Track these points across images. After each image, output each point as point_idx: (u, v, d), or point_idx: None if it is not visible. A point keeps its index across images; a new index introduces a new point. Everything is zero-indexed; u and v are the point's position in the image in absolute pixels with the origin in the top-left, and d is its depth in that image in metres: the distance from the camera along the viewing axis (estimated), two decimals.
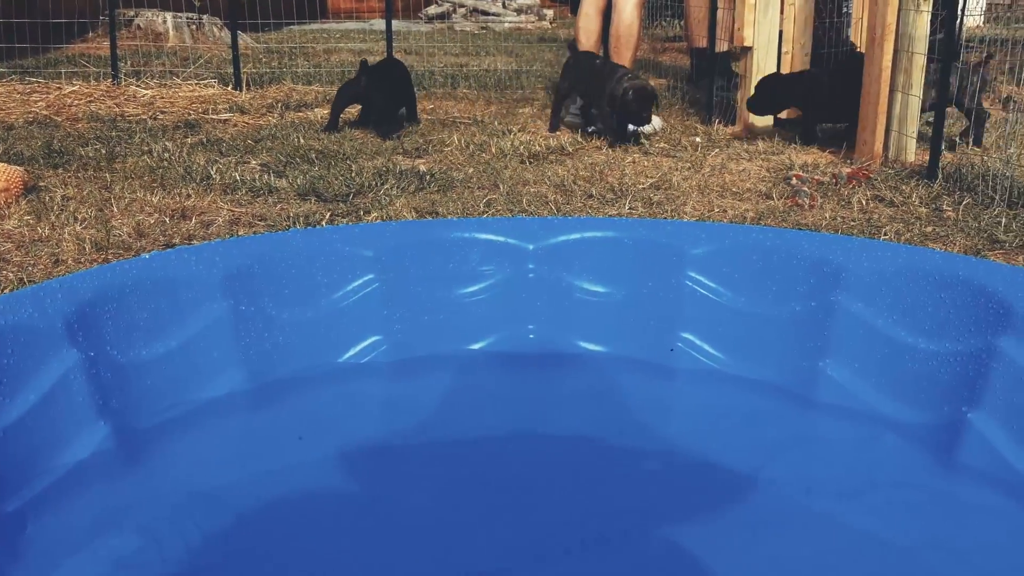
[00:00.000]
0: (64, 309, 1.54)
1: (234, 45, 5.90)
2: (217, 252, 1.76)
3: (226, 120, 5.01)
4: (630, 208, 3.36)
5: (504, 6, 12.42)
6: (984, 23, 9.84)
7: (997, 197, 3.26)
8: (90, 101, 5.41)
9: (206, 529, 1.41)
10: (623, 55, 4.81)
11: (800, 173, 3.78)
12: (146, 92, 5.58)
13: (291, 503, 1.48)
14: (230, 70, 6.06)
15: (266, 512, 1.45)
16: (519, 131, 4.84)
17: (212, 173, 3.68)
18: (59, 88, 5.68)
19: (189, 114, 5.12)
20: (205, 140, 4.45)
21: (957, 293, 1.62)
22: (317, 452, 1.61)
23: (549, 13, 12.93)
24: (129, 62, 6.63)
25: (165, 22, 8.24)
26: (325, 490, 1.51)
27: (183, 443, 1.61)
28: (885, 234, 2.95)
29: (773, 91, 4.37)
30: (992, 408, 1.54)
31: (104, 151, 4.29)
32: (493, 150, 4.26)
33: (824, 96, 4.31)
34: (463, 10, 12.21)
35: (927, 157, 3.69)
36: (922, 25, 3.73)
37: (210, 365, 1.74)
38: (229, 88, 5.80)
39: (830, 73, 4.47)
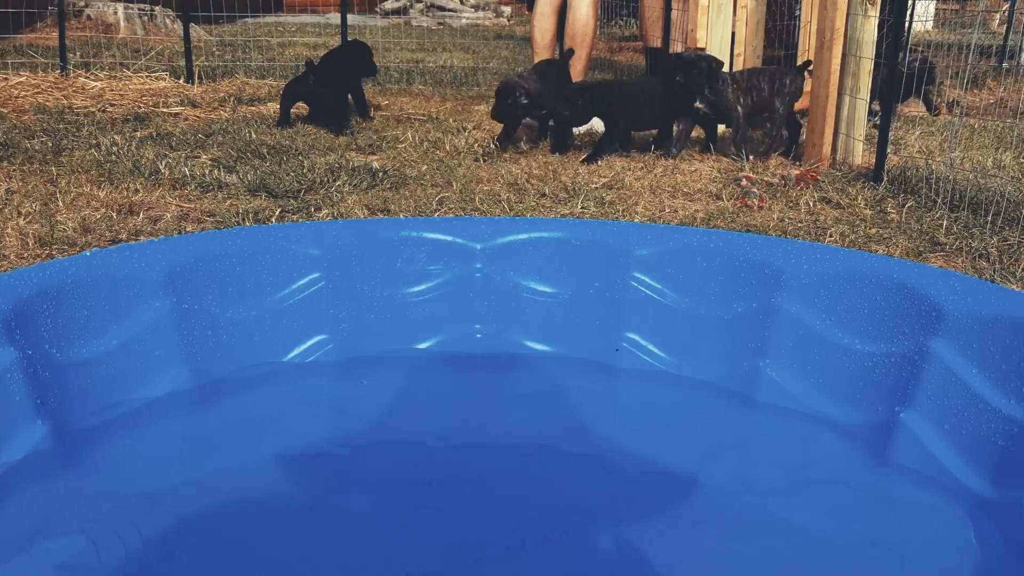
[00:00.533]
0: (1, 307, 1.51)
1: (186, 37, 5.82)
2: (160, 249, 1.74)
3: (177, 114, 4.94)
4: (582, 207, 3.38)
5: (462, 2, 12.39)
6: (933, 28, 10.03)
7: (939, 200, 3.33)
8: (37, 92, 5.31)
9: (146, 532, 1.40)
10: (578, 55, 4.84)
11: (750, 175, 3.84)
12: (95, 84, 5.49)
13: (233, 505, 1.47)
14: (182, 63, 5.98)
15: (208, 514, 1.45)
16: (474, 128, 4.85)
17: (161, 168, 3.63)
18: (5, 79, 5.56)
19: (139, 107, 5.05)
20: (155, 134, 4.39)
21: (892, 296, 1.66)
22: (260, 453, 1.60)
23: (507, 10, 12.93)
24: (78, 53, 6.51)
25: (116, 13, 8.10)
26: (267, 491, 1.51)
27: (123, 444, 1.60)
28: (831, 236, 3.00)
29: (584, 99, 4.18)
30: (923, 408, 1.58)
31: (51, 144, 4.21)
32: (447, 147, 4.26)
33: (630, 106, 4.23)
34: (420, 5, 12.16)
35: (874, 159, 3.76)
36: (870, 30, 3.79)
37: (152, 364, 1.72)
38: (181, 81, 5.73)
39: (637, 84, 4.44)
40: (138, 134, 4.38)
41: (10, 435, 1.50)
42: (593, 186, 3.70)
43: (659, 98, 4.22)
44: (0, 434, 1.49)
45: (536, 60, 4.97)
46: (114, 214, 3.18)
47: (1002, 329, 1.50)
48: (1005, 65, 6.47)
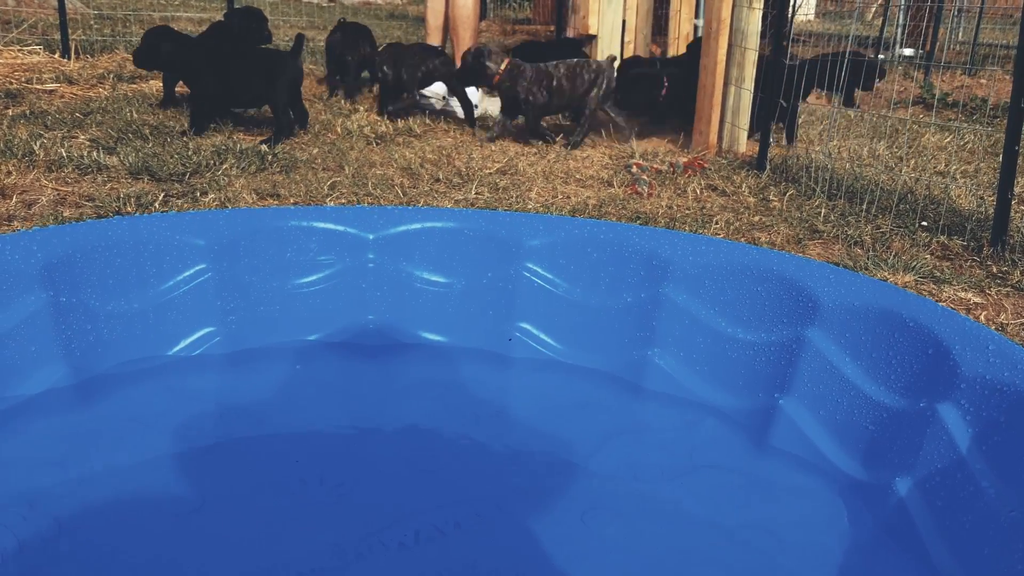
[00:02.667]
0: None
1: (61, 9, 5.55)
2: (35, 240, 1.66)
3: (52, 91, 4.72)
4: (476, 193, 3.38)
5: None
6: (815, 18, 10.38)
7: (818, 189, 3.47)
8: None
9: (23, 535, 1.35)
10: (461, 37, 4.82)
11: (640, 162, 3.91)
12: None
13: (116, 505, 1.43)
14: (57, 36, 5.70)
15: (90, 515, 1.40)
16: (366, 110, 4.79)
17: (36, 148, 3.46)
18: None
19: (11, 83, 4.79)
20: (28, 112, 4.18)
21: (771, 287, 1.72)
22: (144, 451, 1.55)
23: None
24: None
25: None
26: (152, 491, 1.47)
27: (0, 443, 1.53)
28: (716, 223, 3.09)
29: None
30: (801, 395, 1.65)
31: None
32: (339, 130, 4.19)
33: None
34: None
35: (757, 148, 3.88)
36: (754, 21, 3.91)
37: (28, 360, 1.65)
38: (56, 56, 5.47)
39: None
40: (9, 112, 4.16)
41: None
42: (487, 172, 3.71)
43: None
44: None
45: (428, 41, 4.94)
46: None
47: (873, 319, 1.58)
48: (881, 56, 6.76)
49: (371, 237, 1.95)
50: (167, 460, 1.55)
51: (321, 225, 1.92)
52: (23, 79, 4.85)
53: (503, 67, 4.13)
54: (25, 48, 5.54)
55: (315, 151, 3.78)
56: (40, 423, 1.60)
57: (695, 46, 4.67)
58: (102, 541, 1.35)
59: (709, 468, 1.61)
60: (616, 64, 4.31)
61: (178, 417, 1.67)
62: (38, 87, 4.72)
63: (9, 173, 3.23)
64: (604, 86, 4.19)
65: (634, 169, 3.76)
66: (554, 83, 4.14)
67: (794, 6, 3.74)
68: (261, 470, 1.54)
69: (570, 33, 5.26)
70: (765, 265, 1.72)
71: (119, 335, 1.76)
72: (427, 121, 4.57)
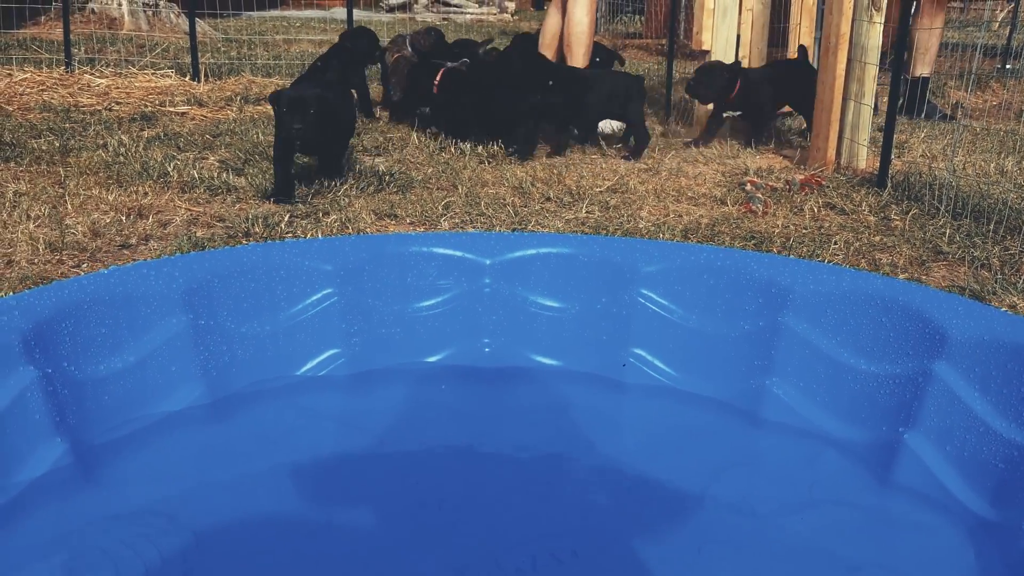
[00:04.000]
0: (21, 326, 1.54)
1: (192, 33, 5.83)
2: (176, 267, 1.77)
3: (183, 113, 4.96)
4: (587, 212, 3.40)
5: None
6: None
7: (943, 207, 3.36)
8: (43, 89, 5.32)
9: (163, 547, 1.43)
10: (574, 54, 4.85)
11: (754, 179, 3.86)
12: (101, 81, 5.51)
13: (247, 520, 1.50)
14: (187, 59, 5.99)
15: (223, 529, 1.48)
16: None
17: (169, 170, 3.65)
18: (9, 75, 5.58)
19: (145, 106, 5.06)
20: (162, 134, 4.41)
21: (897, 318, 1.69)
22: (273, 467, 1.63)
23: (511, 6, 12.92)
24: (83, 48, 6.53)
25: (120, 7, 8.10)
26: (281, 508, 1.54)
27: (141, 459, 1.63)
28: (835, 243, 3.02)
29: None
30: (927, 430, 1.61)
31: (57, 144, 4.23)
32: (452, 149, 4.27)
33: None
34: (425, 1, 12.16)
35: (878, 164, 3.78)
36: (874, 35, 3.81)
37: (169, 380, 1.75)
38: (187, 79, 5.74)
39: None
40: (145, 134, 4.40)
41: (30, 452, 1.53)
42: (597, 190, 3.72)
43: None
44: (20, 452, 1.52)
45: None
46: (123, 218, 3.20)
47: (1004, 354, 1.53)
48: (1009, 66, 6.47)
49: (488, 262, 1.99)
50: (294, 477, 1.61)
51: (441, 251, 1.97)
52: (157, 102, 5.12)
53: None
54: (158, 72, 5.84)
55: (430, 171, 3.86)
56: (179, 439, 1.70)
57: (782, 64, 4.62)
58: (235, 554, 1.42)
59: (829, 503, 1.58)
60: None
61: (304, 435, 1.74)
62: (170, 109, 4.97)
63: (146, 194, 3.41)
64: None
65: (748, 187, 3.71)
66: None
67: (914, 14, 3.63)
68: (382, 490, 1.60)
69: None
70: (890, 295, 1.69)
71: (251, 356, 1.85)
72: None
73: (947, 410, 1.58)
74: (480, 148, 4.32)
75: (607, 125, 4.79)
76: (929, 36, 5.08)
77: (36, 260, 2.78)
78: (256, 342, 1.86)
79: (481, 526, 1.50)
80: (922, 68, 5.20)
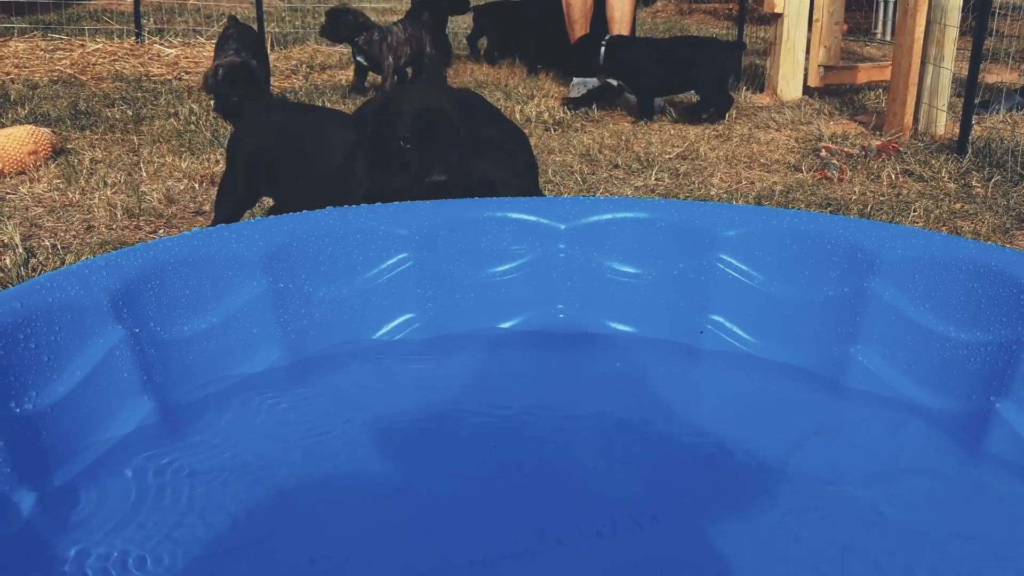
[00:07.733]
0: (109, 286, 1.57)
1: (258, 3, 5.86)
2: (256, 230, 1.78)
3: None
4: (656, 179, 3.36)
5: None
6: None
7: None
8: (114, 60, 5.42)
9: (247, 501, 1.45)
10: (618, 21, 4.72)
11: (829, 145, 3.77)
12: (170, 51, 5.59)
13: (327, 480, 1.52)
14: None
15: (304, 488, 1.50)
16: (543, 96, 4.82)
17: None
18: (82, 46, 5.69)
19: None
20: None
21: (989, 284, 1.63)
22: (352, 429, 1.64)
23: None
24: (152, 19, 6.62)
25: None
26: (357, 467, 1.55)
27: (224, 418, 1.65)
28: (915, 211, 2.94)
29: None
30: (1020, 399, 1.55)
31: (130, 113, 4.31)
32: (517, 116, 4.25)
33: None
34: None
35: (957, 130, 3.66)
36: None
37: (250, 341, 1.78)
38: None
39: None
40: (214, 103, 4.45)
41: (119, 409, 1.57)
42: (667, 156, 3.67)
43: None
44: (110, 409, 1.56)
45: (571, 32, 4.87)
46: (196, 185, 3.26)
47: None
48: None
49: (563, 227, 1.97)
50: (372, 438, 1.63)
51: (515, 215, 1.96)
52: None
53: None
54: None
55: None
56: (260, 400, 1.72)
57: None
58: (315, 512, 1.44)
59: (915, 472, 1.55)
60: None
61: (382, 398, 1.75)
62: None
63: (217, 161, 3.46)
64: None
65: (823, 153, 3.63)
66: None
67: None
68: (460, 452, 1.60)
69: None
70: (983, 261, 1.63)
71: (329, 319, 1.87)
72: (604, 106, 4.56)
73: None
74: (547, 115, 4.29)
75: (581, 85, 4.74)
76: None
77: (114, 226, 2.84)
78: (333, 306, 1.87)
79: (560, 489, 1.49)
80: None
